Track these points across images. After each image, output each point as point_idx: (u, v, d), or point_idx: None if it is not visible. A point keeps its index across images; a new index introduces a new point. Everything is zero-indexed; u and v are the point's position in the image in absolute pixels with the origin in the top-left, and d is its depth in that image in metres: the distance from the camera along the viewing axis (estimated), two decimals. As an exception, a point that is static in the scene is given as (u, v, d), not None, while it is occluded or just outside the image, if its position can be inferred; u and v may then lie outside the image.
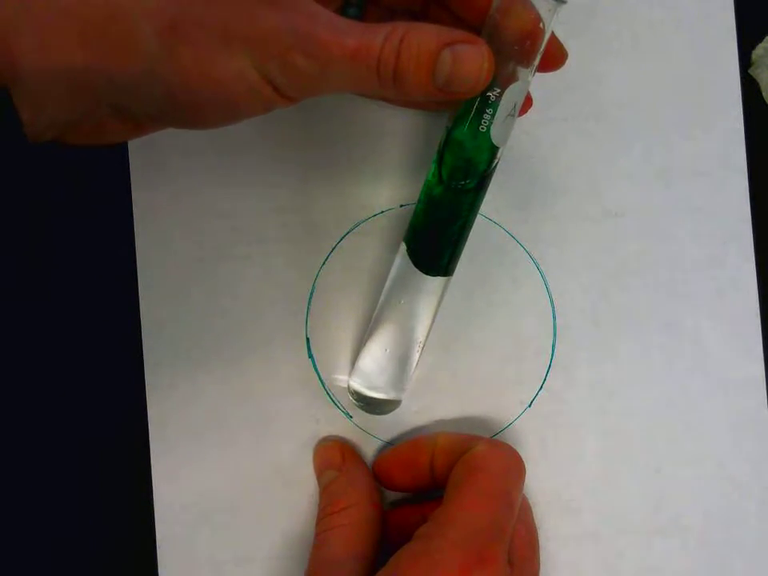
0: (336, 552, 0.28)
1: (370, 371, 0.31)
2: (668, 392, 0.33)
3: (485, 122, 0.27)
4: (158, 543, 0.33)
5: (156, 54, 0.22)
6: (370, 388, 0.31)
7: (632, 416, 0.33)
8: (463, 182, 0.28)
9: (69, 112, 0.24)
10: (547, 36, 0.26)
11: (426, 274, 0.30)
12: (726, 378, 0.33)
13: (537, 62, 0.26)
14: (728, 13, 0.33)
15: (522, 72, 0.26)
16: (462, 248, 0.30)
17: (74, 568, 0.34)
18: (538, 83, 0.33)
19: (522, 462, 0.28)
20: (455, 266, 0.30)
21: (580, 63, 0.34)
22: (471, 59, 0.24)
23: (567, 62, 0.33)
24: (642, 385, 0.33)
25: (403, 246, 0.30)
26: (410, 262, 0.30)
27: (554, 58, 0.27)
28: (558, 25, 0.26)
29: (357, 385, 0.31)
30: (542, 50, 0.26)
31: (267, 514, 0.33)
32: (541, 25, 0.25)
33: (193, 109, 0.24)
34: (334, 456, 0.31)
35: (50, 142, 0.25)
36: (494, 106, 0.26)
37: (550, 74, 0.34)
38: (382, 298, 0.31)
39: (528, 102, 0.28)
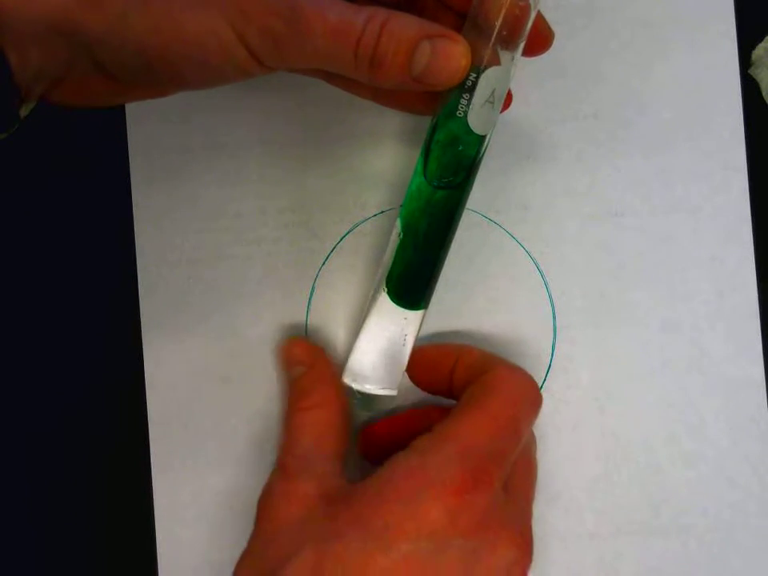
0: (307, 451, 0.28)
1: (361, 366, 0.30)
2: (668, 392, 0.33)
3: (462, 108, 0.26)
4: (158, 543, 0.33)
5: (129, 4, 0.23)
6: (363, 383, 0.30)
7: (632, 416, 0.33)
8: (449, 178, 0.28)
9: (51, 60, 0.24)
10: (530, 24, 0.26)
11: (410, 309, 0.30)
12: (726, 378, 0.33)
13: (519, 51, 0.26)
14: (728, 13, 0.33)
15: (502, 57, 0.26)
16: (439, 274, 0.30)
17: (75, 568, 0.34)
18: (537, 84, 0.34)
19: (539, 393, 0.28)
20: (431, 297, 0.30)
21: (579, 63, 0.34)
22: (449, 53, 0.24)
23: (567, 61, 0.33)
24: (641, 385, 0.33)
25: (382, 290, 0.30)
26: (390, 302, 0.30)
27: (541, 39, 0.27)
28: (548, 11, 0.26)
29: (349, 381, 0.31)
30: (524, 38, 0.26)
31: (267, 514, 0.33)
32: (517, 11, 0.25)
33: (166, 65, 0.24)
34: (303, 352, 0.31)
35: (39, 100, 0.25)
36: (471, 91, 0.26)
37: (551, 74, 0.34)
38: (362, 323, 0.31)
39: (508, 99, 0.28)
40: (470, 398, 0.27)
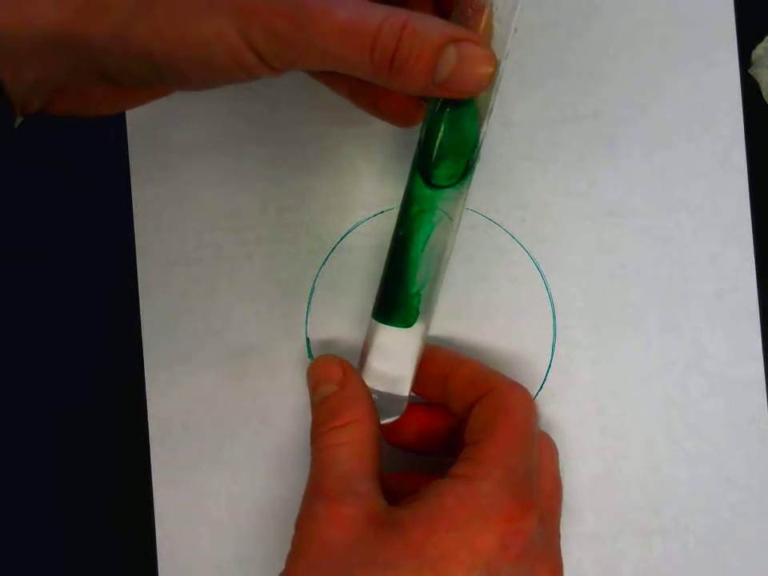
0: (347, 470, 0.26)
1: (376, 369, 0.30)
2: (668, 392, 0.33)
3: (490, 113, 0.26)
4: (158, 543, 0.33)
5: (132, 10, 0.22)
6: (377, 384, 0.30)
7: (632, 416, 0.33)
8: (449, 176, 0.27)
9: (50, 73, 0.24)
10: (517, 11, 0.25)
11: (403, 326, 0.29)
12: (726, 378, 0.33)
13: (508, 48, 0.26)
14: (728, 13, 0.33)
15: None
16: (441, 286, 0.29)
17: (75, 568, 0.34)
18: (537, 84, 0.34)
19: (535, 404, 0.28)
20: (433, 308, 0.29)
21: (580, 63, 0.34)
22: (476, 61, 0.23)
23: (568, 61, 0.33)
24: (641, 385, 0.33)
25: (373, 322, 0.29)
26: (382, 324, 0.29)
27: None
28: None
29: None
30: (512, 34, 0.25)
31: (267, 514, 0.33)
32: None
33: (171, 69, 0.23)
34: (334, 370, 0.29)
35: (38, 112, 0.25)
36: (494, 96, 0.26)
37: (551, 74, 0.34)
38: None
39: None
40: (488, 419, 0.27)
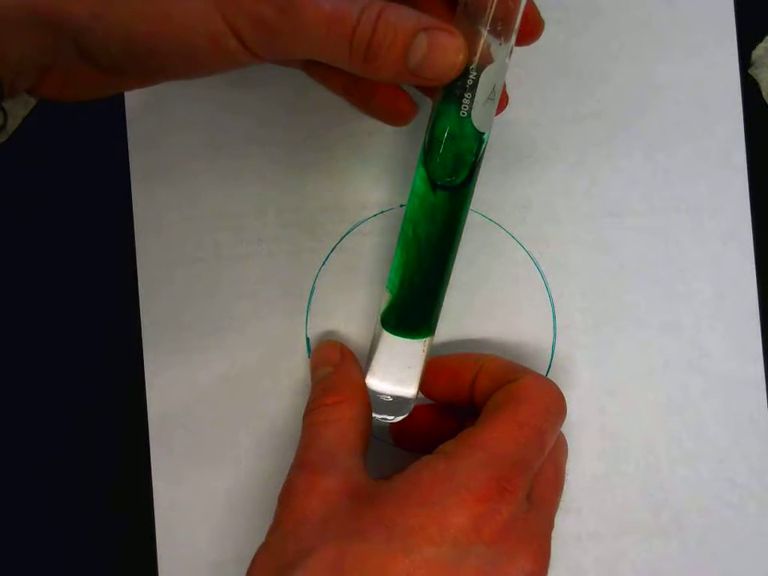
0: (331, 445, 0.27)
1: (382, 371, 0.30)
2: (668, 392, 0.33)
3: (465, 107, 0.26)
4: (158, 543, 0.33)
5: None
6: (384, 386, 0.30)
7: (632, 416, 0.33)
8: (451, 178, 0.27)
9: (34, 52, 0.24)
10: (520, 13, 0.25)
11: (416, 338, 0.29)
12: (726, 378, 0.33)
13: (513, 41, 0.26)
14: (728, 13, 0.33)
15: (498, 52, 0.26)
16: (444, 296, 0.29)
17: (75, 568, 0.34)
18: (537, 84, 0.34)
19: (565, 404, 0.28)
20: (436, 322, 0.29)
21: (580, 63, 0.34)
22: (446, 47, 0.24)
23: (568, 61, 0.33)
24: (642, 385, 0.33)
25: (379, 326, 0.29)
26: (393, 336, 0.29)
27: (531, 28, 0.27)
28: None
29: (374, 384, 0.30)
30: (516, 28, 0.26)
31: (267, 514, 0.33)
32: (511, 2, 0.25)
33: (153, 54, 0.23)
34: (333, 353, 0.31)
35: (29, 93, 0.25)
36: (473, 89, 0.26)
37: (551, 74, 0.34)
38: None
39: (503, 100, 0.28)
40: (497, 405, 0.27)
